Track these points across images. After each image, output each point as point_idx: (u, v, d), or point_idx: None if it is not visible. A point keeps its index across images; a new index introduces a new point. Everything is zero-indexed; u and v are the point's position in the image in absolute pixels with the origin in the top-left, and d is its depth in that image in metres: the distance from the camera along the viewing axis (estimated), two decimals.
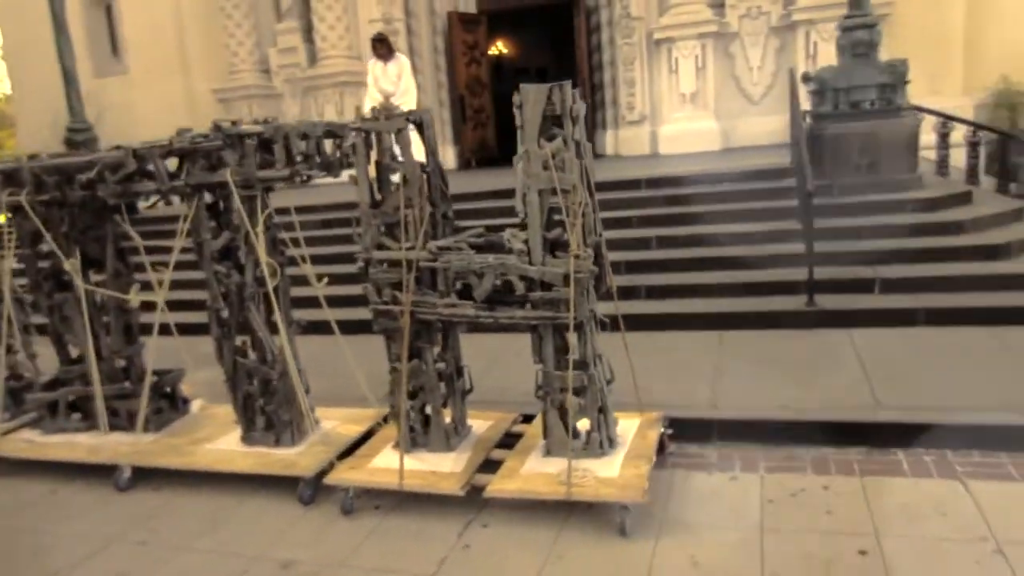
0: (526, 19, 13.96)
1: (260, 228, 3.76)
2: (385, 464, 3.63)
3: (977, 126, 8.51)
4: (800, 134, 5.80)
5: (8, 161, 4.27)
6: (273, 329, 3.95)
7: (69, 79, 9.62)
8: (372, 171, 3.56)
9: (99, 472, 4.12)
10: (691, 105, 10.29)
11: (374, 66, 9.00)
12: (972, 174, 8.41)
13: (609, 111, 11.79)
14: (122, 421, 4.48)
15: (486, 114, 13.20)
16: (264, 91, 12.81)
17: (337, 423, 4.25)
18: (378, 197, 3.57)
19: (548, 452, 3.54)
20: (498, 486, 3.34)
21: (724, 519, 3.22)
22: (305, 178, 3.67)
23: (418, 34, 12.58)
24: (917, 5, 9.57)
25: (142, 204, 6.74)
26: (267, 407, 4.02)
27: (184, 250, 3.90)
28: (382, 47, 8.90)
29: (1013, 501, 3.14)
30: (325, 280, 4.25)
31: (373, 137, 3.55)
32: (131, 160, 3.87)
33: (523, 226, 3.33)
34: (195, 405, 4.76)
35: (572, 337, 3.28)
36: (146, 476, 4.07)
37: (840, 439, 3.76)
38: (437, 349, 3.73)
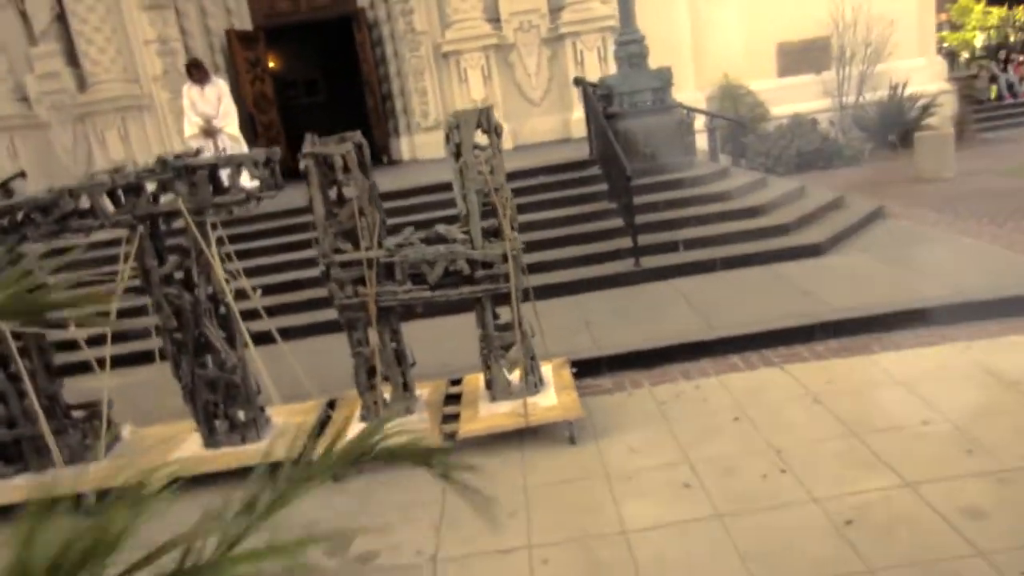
0: (299, 34, 14.20)
1: (214, 249, 4.16)
2: None
3: (715, 116, 10.69)
4: (607, 131, 7.14)
5: None
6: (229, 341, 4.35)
7: None
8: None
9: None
10: None
11: (189, 90, 8.96)
12: (713, 154, 10.56)
13: (402, 119, 12.61)
14: (54, 458, 4.53)
15: (276, 129, 13.33)
16: (25, 121, 11.79)
17: (285, 417, 4.73)
18: (333, 211, 4.17)
19: (494, 398, 4.41)
20: (468, 427, 4.16)
21: (636, 420, 4.33)
22: (258, 201, 4.14)
23: (197, 53, 12.38)
24: (651, 20, 11.59)
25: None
26: (228, 410, 4.40)
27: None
28: (198, 72, 8.91)
29: (818, 373, 4.62)
30: (259, 292, 4.69)
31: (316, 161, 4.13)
32: (67, 199, 4.04)
33: (451, 222, 4.16)
34: (125, 431, 4.89)
35: (515, 302, 4.18)
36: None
37: (693, 354, 5.07)
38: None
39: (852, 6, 11.64)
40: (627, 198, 6.57)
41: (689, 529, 3.17)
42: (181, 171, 4.03)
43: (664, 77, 8.05)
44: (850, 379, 4.43)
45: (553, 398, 4.32)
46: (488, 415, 4.27)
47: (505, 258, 4.11)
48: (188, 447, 4.51)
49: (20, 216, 4.08)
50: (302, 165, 4.08)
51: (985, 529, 2.88)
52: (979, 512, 2.99)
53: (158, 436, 4.72)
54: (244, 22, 12.98)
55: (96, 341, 4.95)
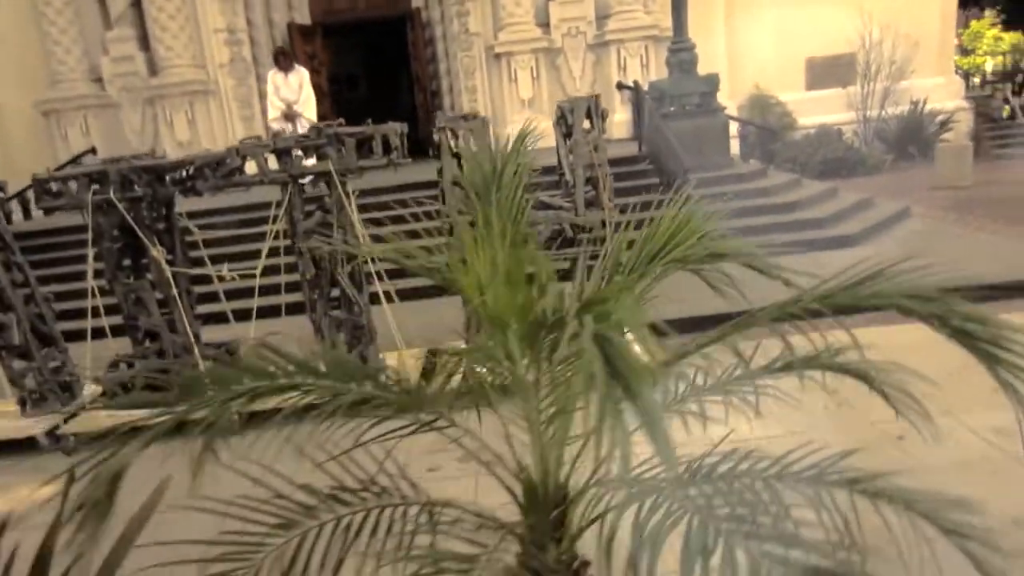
0: (347, 31, 14.91)
1: (354, 204, 4.88)
2: None
3: (749, 123, 11.43)
4: (663, 129, 7.86)
5: (93, 164, 4.86)
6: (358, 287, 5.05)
7: None
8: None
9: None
10: (529, 108, 12.20)
11: (275, 76, 9.66)
12: (744, 158, 11.30)
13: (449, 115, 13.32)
14: None
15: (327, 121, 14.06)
16: (99, 101, 12.54)
17: (395, 360, 5.43)
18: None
19: None
20: None
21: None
22: (396, 166, 4.86)
23: (260, 44, 13.14)
24: (689, 31, 12.33)
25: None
26: (352, 349, 5.11)
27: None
28: (284, 60, 9.62)
29: None
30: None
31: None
32: (235, 157, 4.76)
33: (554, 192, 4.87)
34: None
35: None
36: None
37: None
38: None
39: (880, 25, 12.36)
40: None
41: None
42: (332, 138, 4.75)
43: (712, 83, 8.78)
44: None
45: None
46: None
47: (604, 224, 4.83)
48: None
49: (192, 170, 4.80)
50: (436, 136, 4.80)
51: None
52: None
53: None
54: (304, 16, 13.74)
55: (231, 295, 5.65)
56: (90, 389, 5.52)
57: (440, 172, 4.88)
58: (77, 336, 5.63)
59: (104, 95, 12.58)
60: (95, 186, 4.86)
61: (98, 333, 5.29)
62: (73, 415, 5.18)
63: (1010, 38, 23.37)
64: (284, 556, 1.39)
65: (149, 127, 12.61)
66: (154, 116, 12.53)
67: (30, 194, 8.03)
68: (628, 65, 12.06)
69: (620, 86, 11.83)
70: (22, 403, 5.22)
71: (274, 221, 4.89)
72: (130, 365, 5.24)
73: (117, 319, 5.26)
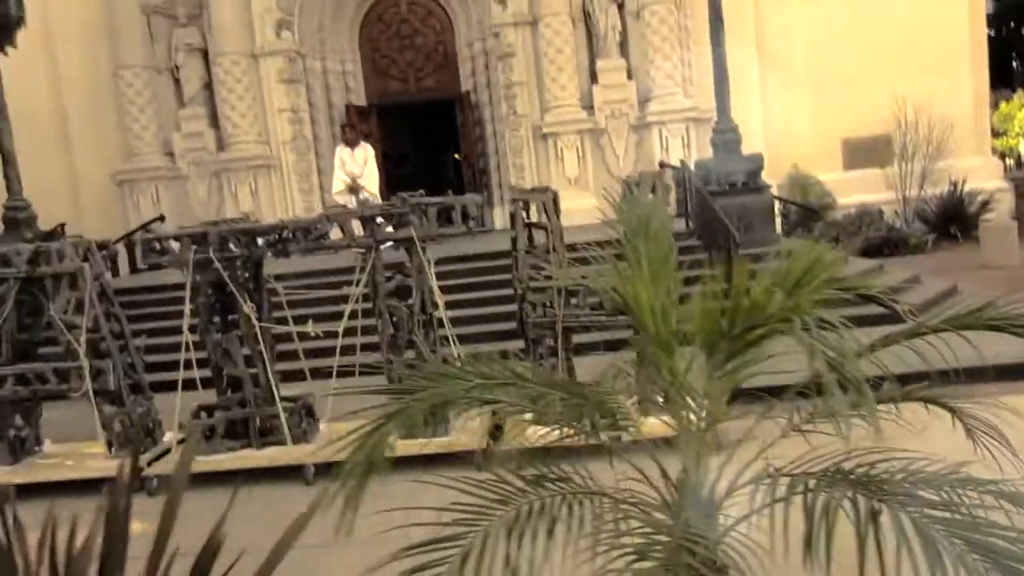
0: (405, 112, 15.72)
1: (432, 269, 5.23)
2: None
3: (790, 202, 11.77)
4: (713, 207, 8.20)
5: (193, 227, 5.30)
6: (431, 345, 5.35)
7: (8, 160, 9.82)
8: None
9: (279, 475, 5.13)
10: (575, 186, 12.69)
11: (342, 151, 10.19)
12: (787, 235, 11.58)
13: (495, 191, 13.91)
14: (274, 438, 5.50)
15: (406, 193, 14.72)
16: (170, 172, 13.33)
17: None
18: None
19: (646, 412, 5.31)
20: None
21: None
22: (474, 231, 5.22)
23: (319, 123, 13.96)
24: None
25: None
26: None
27: None
28: (351, 134, 10.23)
29: None
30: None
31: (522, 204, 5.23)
32: (325, 223, 5.16)
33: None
34: (321, 425, 5.85)
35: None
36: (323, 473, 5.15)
37: None
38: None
39: (914, 107, 12.77)
40: (731, 264, 7.55)
41: None
42: (415, 207, 5.15)
43: (757, 162, 9.17)
44: None
45: None
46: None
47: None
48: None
49: (285, 233, 5.21)
50: (510, 208, 5.17)
51: None
52: None
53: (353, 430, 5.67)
54: (360, 99, 14.59)
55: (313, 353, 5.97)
56: (169, 435, 5.82)
57: (515, 241, 5.23)
58: (167, 386, 5.98)
59: (175, 167, 13.38)
60: (196, 246, 5.29)
61: (187, 384, 5.63)
62: (156, 458, 5.47)
63: (1020, 118, 23.71)
64: (501, 525, 1.64)
65: (214, 197, 13.33)
66: (219, 187, 13.26)
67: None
68: (670, 145, 12.56)
69: (662, 165, 12.28)
70: (109, 445, 5.53)
71: (357, 284, 5.24)
72: (210, 414, 5.54)
73: (205, 371, 5.60)
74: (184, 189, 13.36)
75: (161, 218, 12.95)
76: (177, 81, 13.54)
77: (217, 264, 5.23)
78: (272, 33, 13.22)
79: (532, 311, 5.18)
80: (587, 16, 12.94)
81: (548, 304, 5.17)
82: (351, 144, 10.17)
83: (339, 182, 9.88)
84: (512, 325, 5.96)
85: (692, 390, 1.86)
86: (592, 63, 13.02)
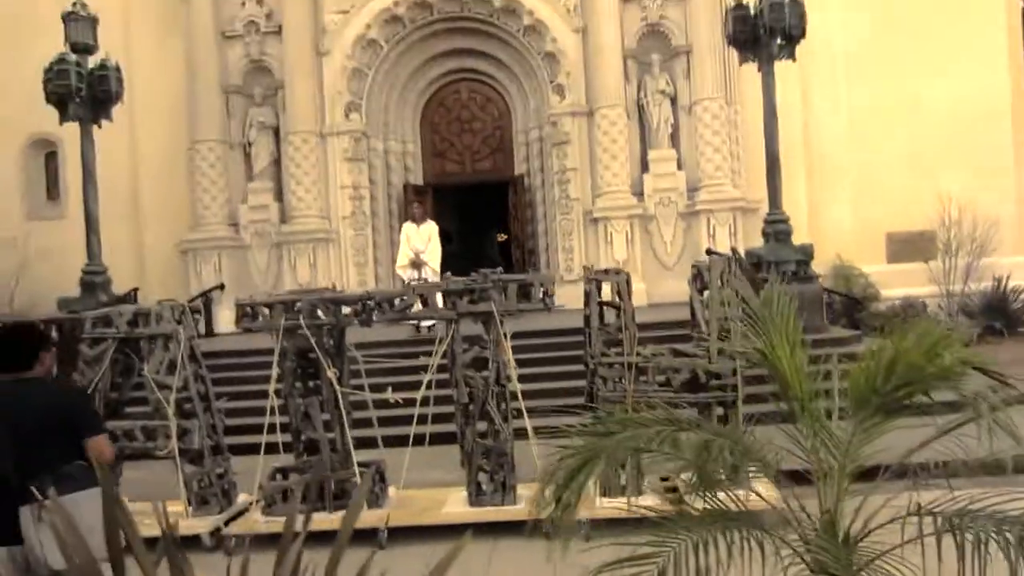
0: (459, 192, 16.35)
1: (508, 342, 5.50)
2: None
3: (836, 292, 11.94)
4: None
5: (293, 293, 5.67)
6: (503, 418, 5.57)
7: (92, 225, 10.47)
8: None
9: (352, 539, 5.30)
10: (624, 269, 13.01)
11: (408, 227, 10.65)
12: (832, 324, 11.68)
13: (544, 271, 14.29)
14: (347, 501, 5.68)
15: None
16: (233, 243, 13.97)
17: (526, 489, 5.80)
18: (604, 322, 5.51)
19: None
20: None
21: None
22: (551, 307, 5.51)
23: (378, 200, 14.61)
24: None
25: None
26: (495, 475, 5.54)
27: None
28: (419, 210, 10.72)
29: None
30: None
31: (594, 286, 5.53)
32: (411, 295, 5.50)
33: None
34: (391, 491, 6.03)
35: (739, 406, 5.31)
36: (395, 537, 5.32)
37: None
38: None
39: (959, 204, 13.02)
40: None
41: None
42: (496, 283, 5.48)
43: (807, 252, 9.44)
44: None
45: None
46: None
47: (734, 372, 5.30)
48: (454, 504, 5.62)
49: (372, 304, 5.55)
50: (585, 286, 5.48)
51: None
52: None
53: (422, 496, 5.85)
54: (418, 178, 15.28)
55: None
56: (243, 496, 6.05)
57: (587, 319, 5.51)
58: (243, 449, 6.26)
59: (238, 238, 14.03)
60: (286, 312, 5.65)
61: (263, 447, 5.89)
62: (233, 518, 5.68)
63: None
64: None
65: (274, 267, 13.90)
66: (279, 258, 13.85)
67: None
68: (717, 233, 12.90)
69: (710, 252, 12.57)
70: (188, 503, 5.76)
71: (438, 353, 5.53)
72: (285, 476, 5.77)
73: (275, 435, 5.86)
74: (245, 259, 13.96)
75: (221, 286, 13.50)
76: (248, 156, 14.35)
77: (305, 330, 5.57)
78: (341, 114, 14.05)
79: (603, 385, 5.40)
80: (640, 109, 13.58)
81: (619, 379, 5.39)
82: (417, 220, 10.58)
83: (403, 256, 10.27)
84: (579, 399, 6.17)
85: (836, 439, 2.11)
86: (644, 153, 13.57)
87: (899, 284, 13.45)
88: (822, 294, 9.51)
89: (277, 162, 14.27)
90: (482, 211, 17.19)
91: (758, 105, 12.83)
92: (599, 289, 5.52)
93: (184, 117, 14.26)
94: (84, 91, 10.14)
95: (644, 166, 13.60)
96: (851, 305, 12.42)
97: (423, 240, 10.35)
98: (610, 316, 5.95)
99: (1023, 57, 14.33)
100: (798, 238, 12.02)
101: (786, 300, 2.59)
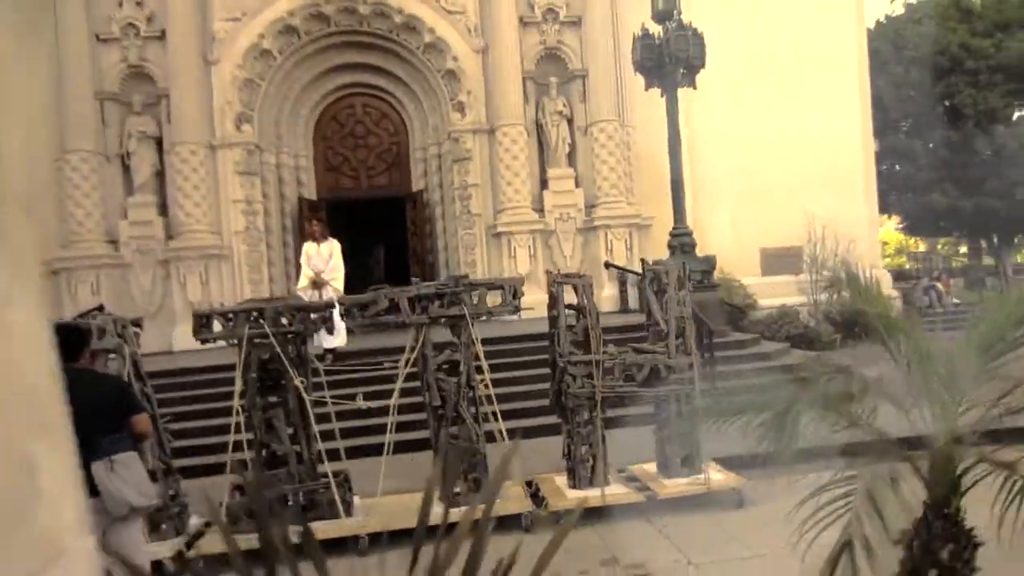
0: (356, 207, 16.03)
1: (479, 345, 5.60)
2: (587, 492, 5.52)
3: (726, 303, 12.89)
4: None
5: (253, 301, 5.47)
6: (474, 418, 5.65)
7: None
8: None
9: (327, 548, 5.18)
10: (528, 281, 13.35)
11: (308, 246, 10.16)
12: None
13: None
14: (316, 512, 5.53)
15: None
16: (112, 261, 12.96)
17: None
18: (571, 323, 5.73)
19: (669, 475, 5.79)
20: (665, 491, 5.50)
21: None
22: (519, 313, 5.66)
23: (272, 214, 14.13)
24: (663, 220, 14.11)
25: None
26: (471, 475, 5.60)
27: None
28: (319, 228, 10.26)
29: None
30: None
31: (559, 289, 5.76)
32: (382, 300, 5.48)
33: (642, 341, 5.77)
34: (356, 499, 5.92)
35: (698, 398, 5.71)
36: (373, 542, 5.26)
37: None
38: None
39: (822, 223, 14.51)
40: (711, 350, 8.32)
41: None
42: (467, 287, 5.57)
43: (710, 263, 10.19)
44: None
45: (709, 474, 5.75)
46: (672, 484, 5.64)
47: (691, 366, 5.70)
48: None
49: (342, 310, 5.48)
50: (553, 289, 5.69)
51: None
52: None
53: (392, 502, 5.79)
54: (312, 193, 14.92)
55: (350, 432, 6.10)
56: (195, 519, 5.71)
57: (554, 320, 5.72)
58: (196, 471, 5.91)
59: (117, 256, 13.03)
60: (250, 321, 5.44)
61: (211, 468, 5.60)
62: (191, 541, 5.36)
63: (894, 240, 27.10)
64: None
65: (159, 287, 13.04)
66: (165, 276, 13.01)
67: None
68: (614, 247, 13.58)
69: (608, 265, 13.20)
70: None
71: (410, 356, 5.53)
72: (243, 493, 5.52)
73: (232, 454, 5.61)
74: (126, 277, 13.00)
75: (100, 308, 12.46)
76: (126, 168, 13.42)
77: (272, 339, 5.39)
78: (232, 126, 13.49)
79: (573, 383, 5.62)
80: (539, 128, 14.07)
81: (587, 376, 5.64)
82: (317, 239, 10.09)
83: (304, 277, 9.81)
84: (543, 402, 6.35)
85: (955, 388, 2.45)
86: (543, 170, 14.05)
87: (773, 295, 14.72)
88: (721, 301, 10.27)
89: (160, 175, 13.44)
90: (377, 227, 16.99)
91: (649, 128, 13.77)
92: (562, 294, 5.76)
93: (51, 125, 13.11)
94: None
95: (543, 183, 14.07)
96: (734, 313, 13.45)
97: (323, 259, 9.89)
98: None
99: (870, 101, 16.33)
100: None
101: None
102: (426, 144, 14.87)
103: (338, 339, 9.17)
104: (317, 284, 9.72)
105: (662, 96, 10.89)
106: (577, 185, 14.01)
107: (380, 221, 16.32)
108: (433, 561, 2.05)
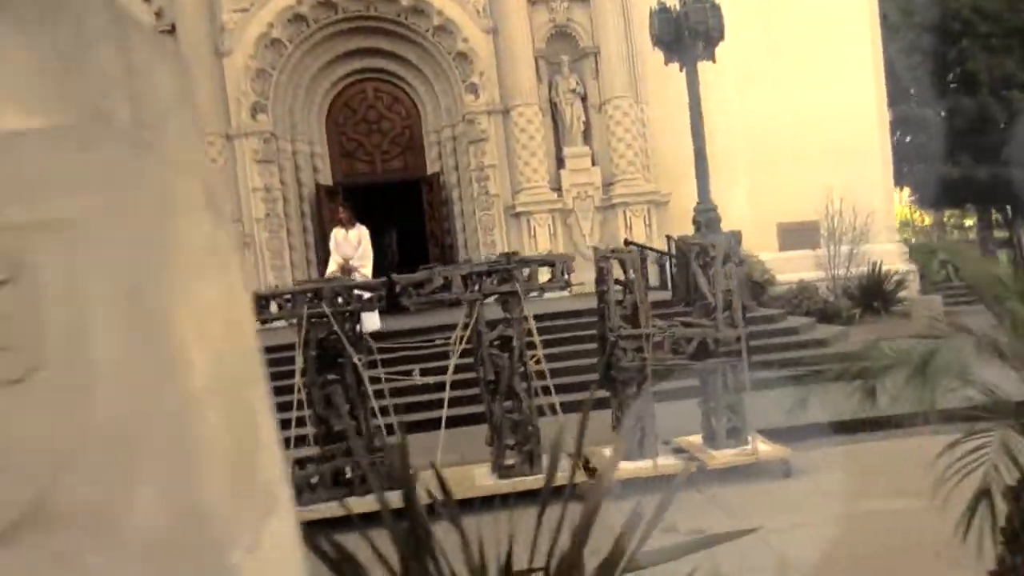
0: (374, 192, 16.07)
1: (532, 320, 5.70)
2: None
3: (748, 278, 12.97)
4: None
5: (310, 282, 5.56)
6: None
7: None
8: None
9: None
10: None
11: (336, 232, 10.22)
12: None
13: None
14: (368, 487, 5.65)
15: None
16: None
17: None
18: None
19: (716, 447, 5.91)
20: (714, 462, 5.63)
21: None
22: (571, 288, 5.76)
23: (291, 201, 14.19)
24: (684, 196, 14.14)
25: None
26: (524, 447, 5.72)
27: None
28: (346, 214, 10.32)
29: None
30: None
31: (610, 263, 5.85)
32: (437, 278, 5.57)
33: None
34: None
35: (746, 371, 5.81)
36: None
37: None
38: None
39: (841, 196, 14.57)
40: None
41: None
42: (519, 263, 5.66)
43: (737, 237, 10.25)
44: None
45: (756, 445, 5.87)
46: (720, 455, 5.77)
47: (738, 339, 5.80)
48: (482, 478, 5.74)
49: (399, 288, 5.57)
50: (601, 264, 5.78)
51: None
52: None
53: (449, 475, 5.91)
54: (327, 179, 14.96)
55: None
56: None
57: (603, 295, 5.81)
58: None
59: None
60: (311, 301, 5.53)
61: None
62: None
63: (899, 214, 27.18)
64: None
65: None
66: None
67: None
68: (633, 225, 13.64)
69: (627, 243, 13.29)
70: None
71: (463, 333, 5.63)
72: (303, 467, 5.64)
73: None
74: None
75: None
76: None
77: (331, 318, 5.49)
78: (248, 115, 13.51)
79: (623, 356, 5.73)
80: (553, 107, 14.09)
81: (636, 350, 5.74)
82: (345, 225, 10.16)
83: (333, 263, 9.89)
84: (583, 377, 6.47)
85: None
86: (559, 149, 14.09)
87: (790, 270, 14.82)
88: (747, 276, 10.37)
89: None
90: (393, 211, 17.03)
91: (664, 104, 13.80)
92: (614, 268, 5.84)
93: None
94: None
95: (559, 162, 14.12)
96: (755, 288, 13.54)
97: (352, 245, 9.96)
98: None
99: (884, 71, 16.31)
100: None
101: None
102: (439, 127, 14.88)
103: (372, 322, 9.28)
104: (346, 270, 9.81)
105: (681, 71, 10.90)
106: (593, 163, 14.06)
107: (395, 205, 16.39)
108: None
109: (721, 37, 10.36)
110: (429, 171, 15.10)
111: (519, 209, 13.64)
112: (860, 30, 15.61)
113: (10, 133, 1.18)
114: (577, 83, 14.21)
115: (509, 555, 2.20)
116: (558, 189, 13.92)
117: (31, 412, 1.15)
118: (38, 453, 1.15)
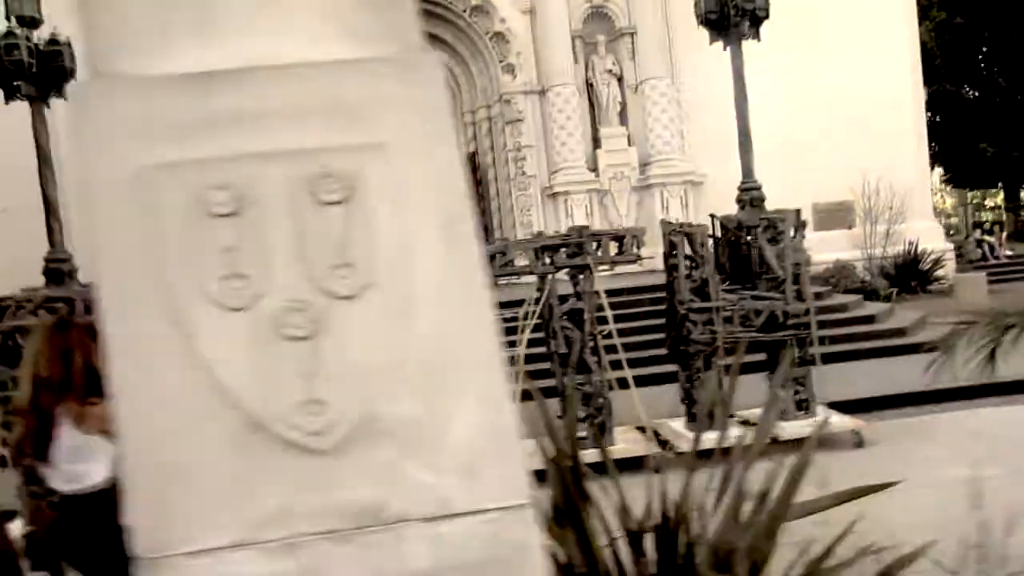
0: None
1: (603, 294, 5.74)
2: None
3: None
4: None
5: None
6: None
7: (52, 211, 9.60)
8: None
9: None
10: None
11: None
12: None
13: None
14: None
15: None
16: None
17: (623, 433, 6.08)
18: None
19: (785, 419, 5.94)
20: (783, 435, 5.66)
21: None
22: (641, 261, 5.78)
23: None
24: (715, 174, 14.09)
25: None
26: (595, 420, 5.77)
27: None
28: None
29: None
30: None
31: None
32: (512, 251, 5.62)
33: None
34: None
35: (815, 343, 5.83)
36: None
37: None
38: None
39: (876, 176, 14.45)
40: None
41: None
42: (590, 236, 5.69)
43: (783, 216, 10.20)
44: None
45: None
46: (791, 426, 5.79)
47: (807, 312, 5.82)
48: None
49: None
50: (672, 238, 5.80)
51: None
52: None
53: None
54: None
55: None
56: None
57: (672, 269, 5.84)
58: None
59: None
60: None
61: None
62: None
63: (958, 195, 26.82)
64: None
65: None
66: None
67: None
68: (670, 205, 13.62)
69: (664, 223, 13.26)
70: None
71: (536, 306, 5.67)
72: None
73: None
74: None
75: None
76: None
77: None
78: None
79: (694, 328, 5.76)
80: (589, 87, 14.05)
81: (706, 323, 5.77)
82: None
83: None
84: (645, 353, 6.50)
85: None
86: (595, 130, 14.07)
87: (827, 250, 14.74)
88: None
89: None
90: None
91: (700, 84, 13.72)
92: (682, 243, 5.87)
93: None
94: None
95: (596, 143, 14.10)
96: None
97: None
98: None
99: (918, 49, 16.11)
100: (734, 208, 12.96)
101: None
102: (475, 107, 14.89)
103: None
104: None
105: (724, 49, 10.81)
106: (630, 143, 14.03)
107: None
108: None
109: (767, 16, 10.23)
110: (465, 152, 15.11)
111: (556, 189, 13.65)
112: (895, 9, 15.43)
113: (339, 62, 1.24)
114: (614, 63, 14.16)
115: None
116: (595, 169, 13.91)
117: (363, 328, 1.21)
118: (369, 368, 1.21)
